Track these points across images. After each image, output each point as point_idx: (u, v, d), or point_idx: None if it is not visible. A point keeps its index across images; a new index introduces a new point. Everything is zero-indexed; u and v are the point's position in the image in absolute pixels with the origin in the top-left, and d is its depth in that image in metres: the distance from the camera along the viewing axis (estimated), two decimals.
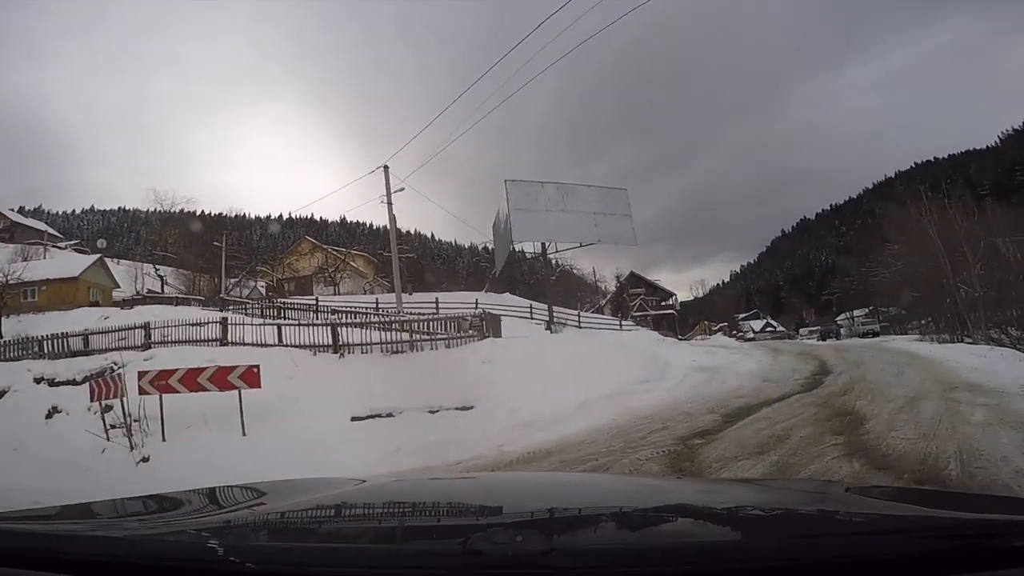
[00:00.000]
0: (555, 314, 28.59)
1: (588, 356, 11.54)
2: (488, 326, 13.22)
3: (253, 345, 14.51)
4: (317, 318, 19.18)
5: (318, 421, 9.60)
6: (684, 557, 0.83)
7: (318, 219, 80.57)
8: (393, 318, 14.29)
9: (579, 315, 28.75)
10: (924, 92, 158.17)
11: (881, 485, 3.71)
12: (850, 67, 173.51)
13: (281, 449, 8.45)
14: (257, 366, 9.85)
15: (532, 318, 28.07)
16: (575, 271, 40.67)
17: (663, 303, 45.72)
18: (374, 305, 25.02)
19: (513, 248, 17.46)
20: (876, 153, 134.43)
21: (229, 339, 15.44)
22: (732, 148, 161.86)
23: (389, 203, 22.41)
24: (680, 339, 38.86)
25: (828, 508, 1.30)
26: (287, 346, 13.94)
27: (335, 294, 40.27)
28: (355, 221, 79.34)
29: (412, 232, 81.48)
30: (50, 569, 0.85)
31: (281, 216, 77.56)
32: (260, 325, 15.14)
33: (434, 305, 24.31)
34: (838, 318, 54.85)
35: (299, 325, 14.54)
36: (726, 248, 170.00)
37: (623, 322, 33.93)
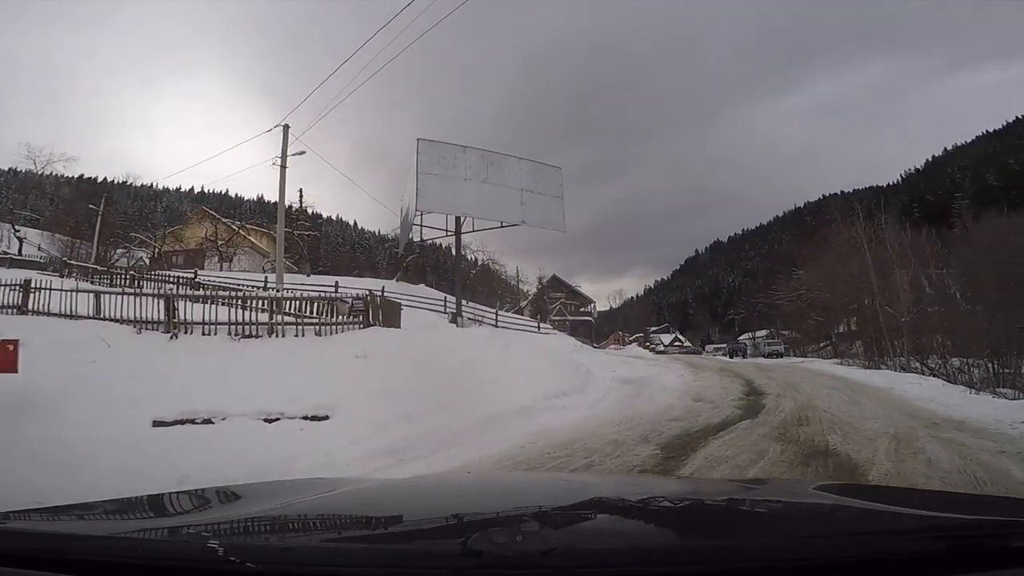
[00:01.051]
0: (473, 311, 26.31)
1: (498, 359, 9.20)
2: (377, 313, 10.49)
3: (60, 316, 11.13)
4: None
5: (105, 424, 6.51)
6: (685, 557, 0.82)
7: (233, 195, 73.30)
8: (247, 294, 11.09)
9: (497, 313, 26.51)
10: (846, 126, 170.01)
11: (853, 483, 3.61)
12: (782, 97, 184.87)
13: (14, 469, 5.35)
14: (15, 342, 6.75)
15: (446, 312, 25.65)
16: (496, 266, 38.57)
17: (582, 309, 44.76)
18: (262, 284, 21.54)
19: (420, 222, 14.64)
20: (791, 183, 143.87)
21: (31, 307, 11.86)
22: (663, 164, 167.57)
23: (283, 166, 18.98)
24: (595, 347, 38.07)
25: (828, 508, 1.30)
26: (106, 320, 10.60)
27: (227, 270, 35.69)
28: (273, 201, 72.66)
29: (335, 218, 76.18)
30: (50, 569, 0.82)
31: (192, 189, 70.27)
32: (72, 292, 11.48)
33: (332, 288, 21.21)
34: (740, 337, 56.98)
35: (124, 294, 11.04)
36: (644, 262, 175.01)
37: (541, 325, 32.30)
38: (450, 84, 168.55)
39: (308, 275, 30.08)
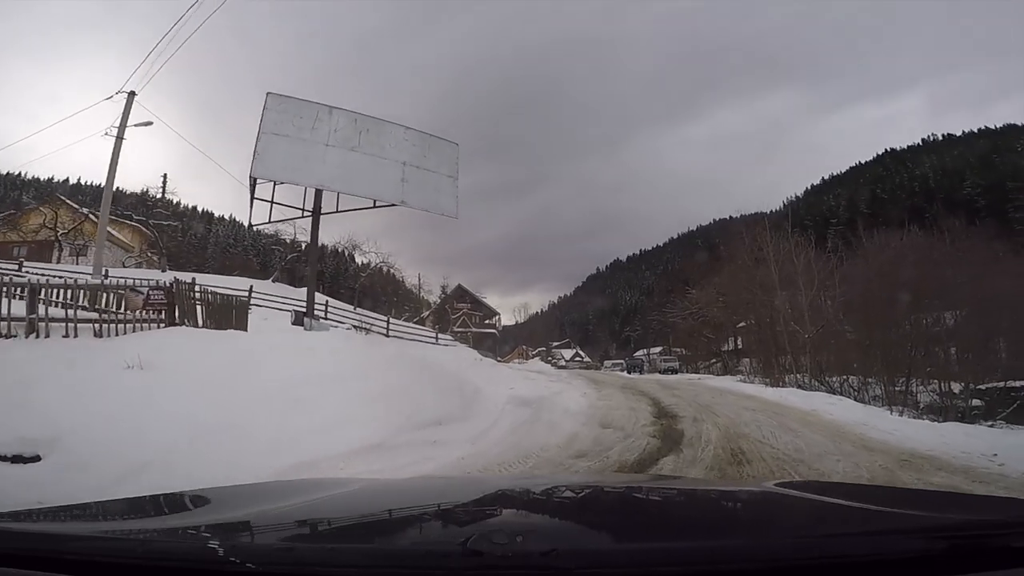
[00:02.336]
0: (360, 317, 23.22)
1: (354, 372, 6.69)
2: (186, 309, 7.54)
3: None
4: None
5: None
6: (684, 557, 0.81)
7: (118, 188, 62.98)
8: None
9: (389, 321, 23.63)
10: (741, 155, 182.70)
11: (812, 480, 3.46)
12: (687, 124, 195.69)
13: None
14: None
15: (327, 317, 22.46)
16: (393, 270, 35.33)
17: (487, 322, 42.77)
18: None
19: (269, 196, 11.56)
20: (689, 206, 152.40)
21: None
22: (572, 184, 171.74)
23: (119, 136, 15.10)
24: (498, 360, 36.28)
25: (828, 508, 1.27)
26: None
27: (84, 264, 29.64)
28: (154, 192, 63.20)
29: (227, 217, 67.95)
30: (50, 569, 0.81)
31: (68, 180, 60.28)
32: None
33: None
34: (636, 353, 58.08)
35: None
36: (550, 278, 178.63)
37: (442, 336, 29.82)
38: (363, 94, 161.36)
39: (164, 270, 25.26)
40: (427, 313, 39.85)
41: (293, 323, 11.79)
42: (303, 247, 34.79)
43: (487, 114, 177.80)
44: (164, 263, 30.32)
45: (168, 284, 7.73)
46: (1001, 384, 13.00)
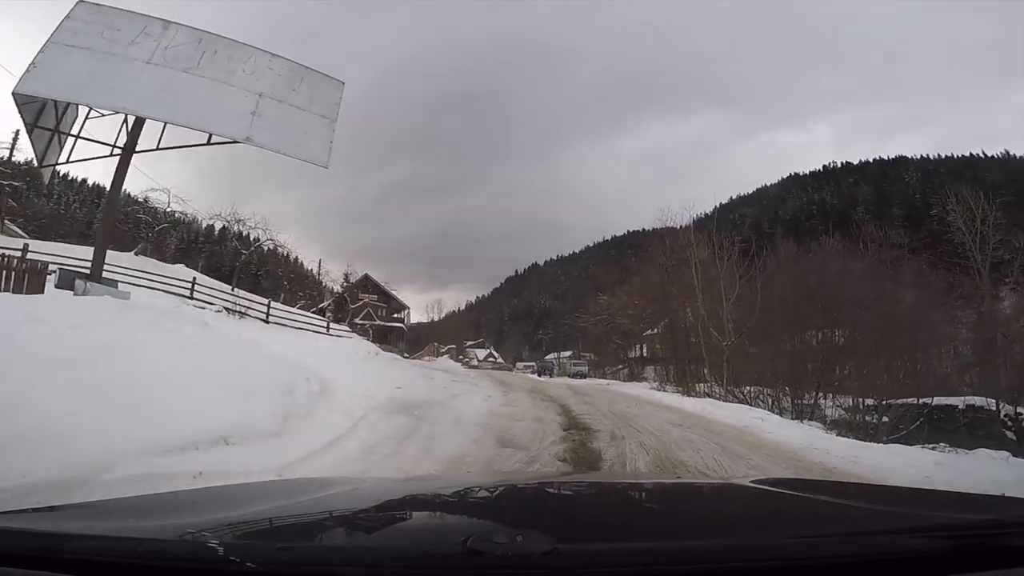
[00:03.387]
0: (235, 299, 19.61)
1: (87, 354, 4.04)
2: None
3: None
4: None
5: None
6: (685, 557, 0.80)
7: None
8: None
9: (270, 305, 20.20)
10: (663, 171, 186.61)
11: (789, 478, 3.22)
12: (616, 137, 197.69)
13: None
14: None
15: (192, 298, 18.80)
16: (282, 249, 31.21)
17: (395, 316, 39.52)
18: None
19: (22, 114, 8.17)
20: (609, 217, 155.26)
21: None
22: (500, 187, 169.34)
23: None
24: (405, 356, 33.49)
25: (828, 508, 1.26)
26: None
27: None
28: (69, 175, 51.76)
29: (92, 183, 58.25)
30: (50, 569, 0.80)
31: None
32: None
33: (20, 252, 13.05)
34: (547, 357, 57.53)
35: None
36: (468, 279, 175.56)
37: (338, 327, 26.55)
38: None
39: None
40: (328, 302, 36.08)
41: (57, 285, 8.39)
42: (175, 217, 29.90)
43: (422, 108, 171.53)
44: (1, 226, 24.52)
45: None
46: (913, 401, 12.67)
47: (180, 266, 26.91)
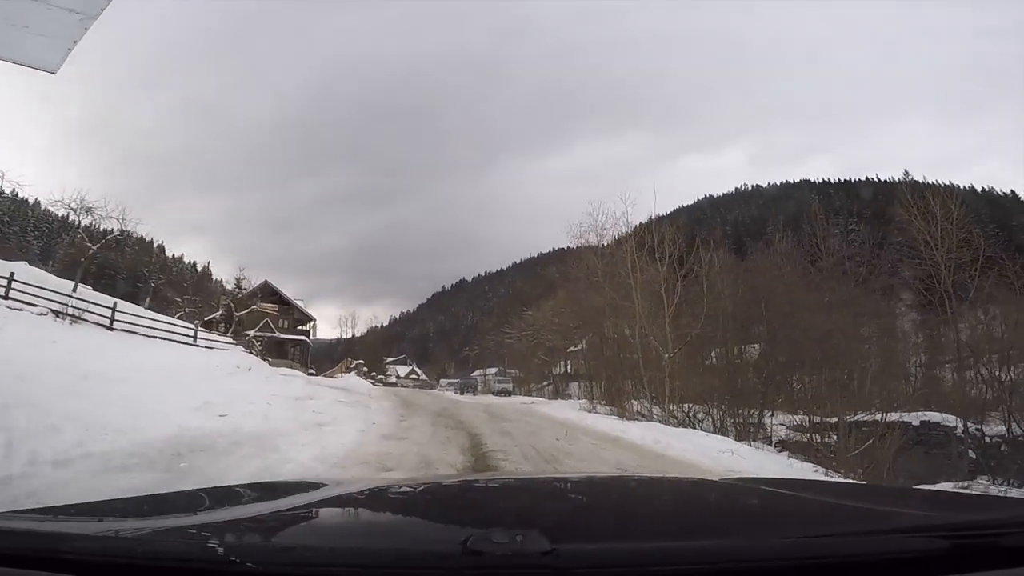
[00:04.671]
0: (71, 301, 15.20)
1: None
2: None
3: None
4: None
5: None
6: (685, 557, 0.78)
7: None
8: None
9: (115, 307, 15.93)
10: (592, 190, 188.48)
11: (812, 480, 3.16)
12: (547, 157, 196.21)
13: None
14: None
15: (7, 298, 14.50)
16: (137, 238, 25.81)
17: (300, 328, 34.96)
18: None
19: None
20: (536, 235, 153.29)
21: None
22: (431, 201, 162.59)
23: None
24: (311, 373, 29.44)
25: (827, 508, 1.24)
26: None
27: None
28: None
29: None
30: (50, 569, 0.78)
31: None
32: None
33: None
34: (473, 373, 55.06)
35: None
36: (394, 294, 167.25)
37: (222, 338, 22.24)
38: (220, 75, 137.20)
39: None
40: (221, 312, 31.06)
41: None
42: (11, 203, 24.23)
43: (354, 117, 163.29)
44: None
45: None
46: (863, 417, 11.23)
47: (22, 264, 21.60)
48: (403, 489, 1.61)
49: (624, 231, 16.05)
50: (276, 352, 29.47)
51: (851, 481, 3.10)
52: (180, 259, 56.29)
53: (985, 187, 53.69)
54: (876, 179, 63.92)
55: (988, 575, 0.77)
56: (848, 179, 71.15)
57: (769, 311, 12.79)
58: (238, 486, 1.59)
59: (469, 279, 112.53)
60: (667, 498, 1.42)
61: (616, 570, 0.74)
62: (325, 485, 1.58)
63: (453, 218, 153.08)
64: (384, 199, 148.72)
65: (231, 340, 23.17)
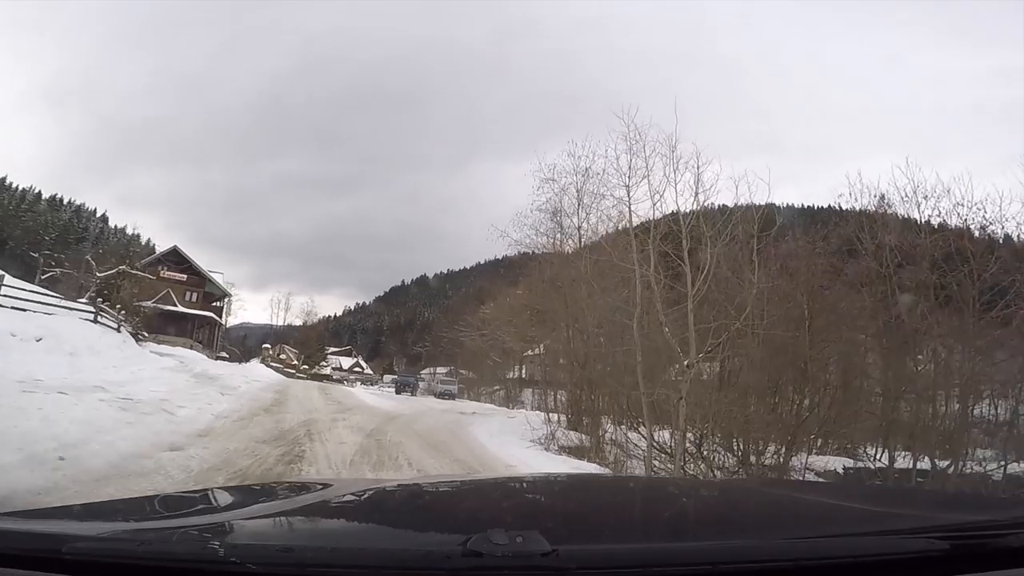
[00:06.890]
0: None
1: None
2: None
3: None
4: None
5: None
6: (685, 557, 0.78)
7: None
8: None
9: None
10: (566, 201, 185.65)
11: (812, 481, 3.25)
12: (523, 161, 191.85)
13: None
14: None
15: None
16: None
17: (214, 304, 29.43)
18: None
19: None
20: (506, 237, 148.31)
21: None
22: (400, 193, 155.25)
23: None
24: (222, 358, 24.33)
25: (827, 508, 1.23)
26: None
27: None
28: None
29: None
30: (50, 569, 0.78)
31: None
32: None
33: None
34: (423, 372, 50.45)
35: None
36: (350, 283, 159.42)
37: (91, 311, 17.01)
38: (197, 47, 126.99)
39: None
40: (101, 276, 25.11)
41: None
42: None
43: (331, 101, 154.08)
44: None
45: None
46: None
47: None
48: (404, 490, 1.59)
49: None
50: (174, 329, 24.06)
51: (856, 483, 2.62)
52: (123, 230, 49.30)
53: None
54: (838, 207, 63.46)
55: (988, 575, 0.76)
56: (812, 205, 70.85)
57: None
58: (238, 487, 1.63)
59: (431, 275, 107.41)
60: (667, 499, 1.42)
61: (616, 571, 0.73)
62: (326, 486, 1.52)
63: (420, 213, 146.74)
64: (346, 186, 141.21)
65: (110, 314, 17.51)
